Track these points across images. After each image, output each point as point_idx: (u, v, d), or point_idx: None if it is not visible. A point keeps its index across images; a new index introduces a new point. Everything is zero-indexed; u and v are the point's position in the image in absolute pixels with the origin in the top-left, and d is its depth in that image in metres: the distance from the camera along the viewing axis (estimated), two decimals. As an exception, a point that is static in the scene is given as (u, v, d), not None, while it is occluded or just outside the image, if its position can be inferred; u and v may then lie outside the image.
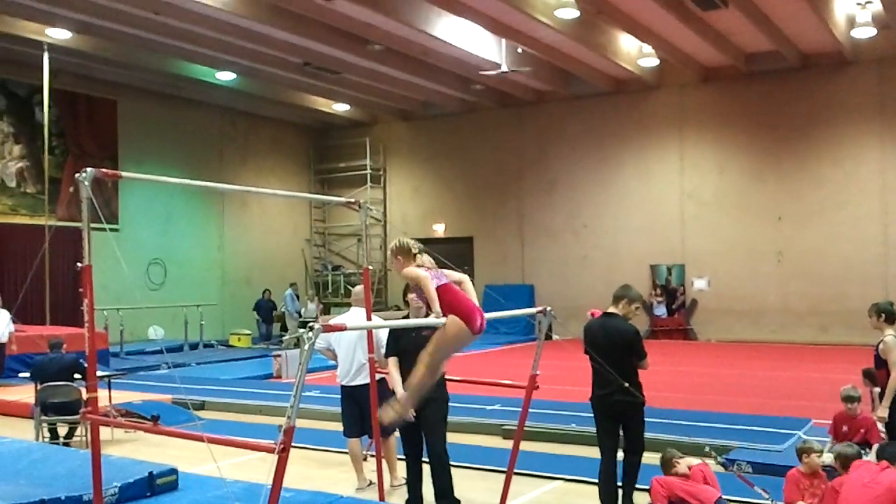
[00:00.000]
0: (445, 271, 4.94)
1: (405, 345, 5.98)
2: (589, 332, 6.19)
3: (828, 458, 6.22)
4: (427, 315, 5.34)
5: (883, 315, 6.94)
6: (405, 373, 5.93)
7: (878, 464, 5.47)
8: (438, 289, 4.74)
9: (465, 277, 5.00)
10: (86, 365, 8.99)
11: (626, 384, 5.89)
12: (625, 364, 5.96)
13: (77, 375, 8.94)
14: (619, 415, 6.10)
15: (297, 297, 22.53)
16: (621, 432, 6.21)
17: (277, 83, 21.26)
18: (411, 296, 6.10)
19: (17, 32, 16.29)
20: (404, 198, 25.39)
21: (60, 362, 9.20)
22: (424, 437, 5.95)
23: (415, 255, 4.97)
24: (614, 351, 5.97)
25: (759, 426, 8.86)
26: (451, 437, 6.26)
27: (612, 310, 6.22)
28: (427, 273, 4.80)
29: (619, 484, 6.19)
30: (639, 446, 6.17)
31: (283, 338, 20.08)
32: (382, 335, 6.73)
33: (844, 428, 7.19)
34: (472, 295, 4.86)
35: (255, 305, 21.70)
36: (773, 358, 16.72)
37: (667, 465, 6.20)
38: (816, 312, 19.34)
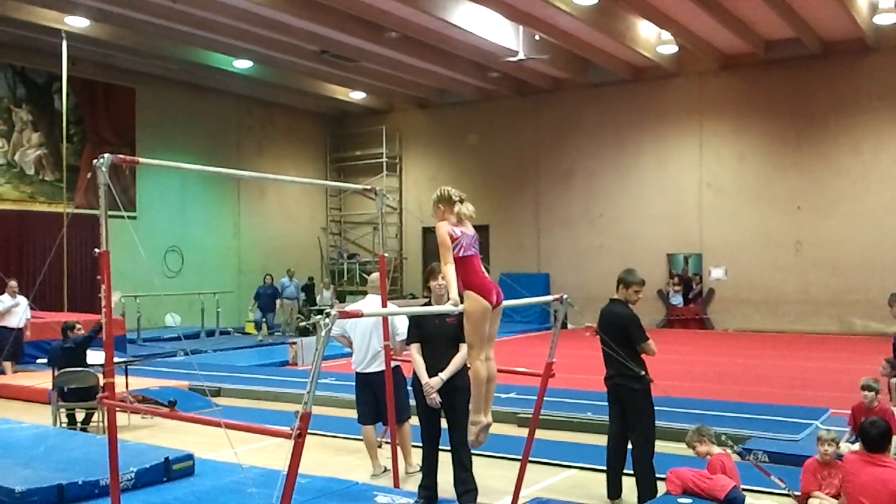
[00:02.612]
0: None
1: (429, 331, 5.96)
2: (599, 318, 6.39)
3: (844, 448, 6.16)
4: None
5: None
6: (428, 359, 5.92)
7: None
8: (457, 261, 4.63)
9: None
10: (84, 334, 9.16)
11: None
12: (623, 349, 6.01)
13: (90, 353, 9.04)
14: (618, 399, 6.25)
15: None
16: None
17: (294, 71, 21.25)
18: (434, 283, 6.07)
19: (36, 21, 16.35)
20: (420, 186, 25.33)
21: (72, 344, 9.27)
22: (448, 425, 5.94)
23: (454, 202, 4.80)
24: (611, 335, 6.05)
25: (776, 416, 8.80)
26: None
27: (615, 295, 6.36)
28: (452, 239, 4.65)
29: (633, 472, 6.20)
30: (641, 437, 6.15)
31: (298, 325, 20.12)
32: (397, 322, 6.72)
33: (863, 419, 7.12)
34: None
35: (255, 293, 20.31)
36: (791, 348, 16.59)
37: (691, 439, 6.22)
38: (835, 302, 19.18)
